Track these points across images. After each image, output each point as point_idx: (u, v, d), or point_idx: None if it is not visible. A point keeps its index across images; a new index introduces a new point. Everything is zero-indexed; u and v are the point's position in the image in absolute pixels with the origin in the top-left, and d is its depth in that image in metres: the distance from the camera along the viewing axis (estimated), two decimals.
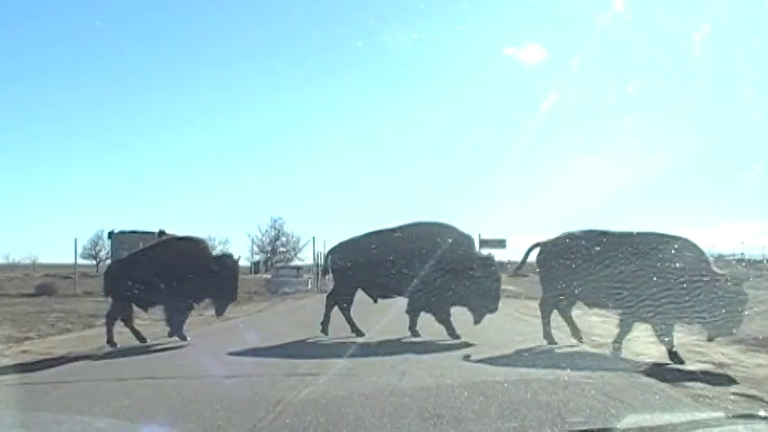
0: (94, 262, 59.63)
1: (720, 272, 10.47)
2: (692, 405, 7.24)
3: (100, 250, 60.11)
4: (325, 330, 13.69)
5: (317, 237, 45.32)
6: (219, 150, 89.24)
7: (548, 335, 12.01)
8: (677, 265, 10.17)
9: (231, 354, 11.37)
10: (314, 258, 42.12)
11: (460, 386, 7.92)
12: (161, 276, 13.37)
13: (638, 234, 11.13)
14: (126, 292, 13.72)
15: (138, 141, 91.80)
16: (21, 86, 78.28)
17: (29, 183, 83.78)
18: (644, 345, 11.73)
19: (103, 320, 16.23)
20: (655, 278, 10.22)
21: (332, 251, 15.16)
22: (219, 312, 14.09)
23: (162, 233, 44.05)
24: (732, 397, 7.73)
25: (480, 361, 10.43)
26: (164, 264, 13.66)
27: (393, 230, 14.32)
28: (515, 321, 13.21)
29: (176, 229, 47.61)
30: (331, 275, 15.26)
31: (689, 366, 9.84)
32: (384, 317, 14.37)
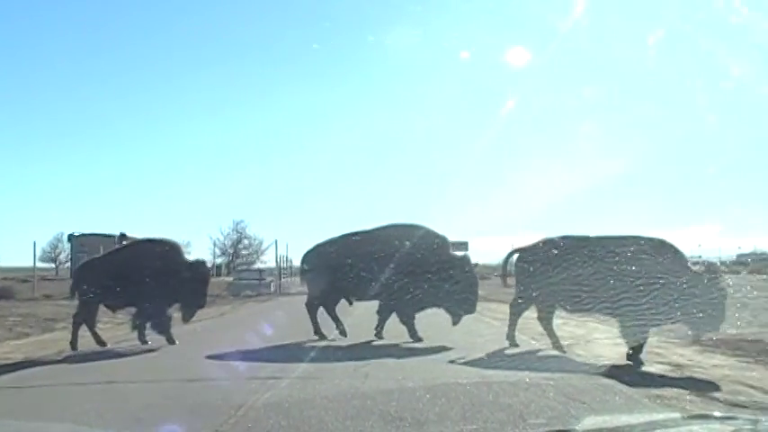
0: (54, 265, 58.83)
1: (698, 270, 10.57)
2: (650, 406, 7.33)
3: (59, 253, 59.43)
4: (319, 335, 13.66)
5: (279, 239, 45.12)
6: (181, 153, 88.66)
7: (511, 336, 12.02)
8: (657, 266, 10.20)
9: (192, 357, 11.29)
10: (276, 261, 41.99)
11: (422, 388, 7.94)
12: (132, 279, 13.24)
13: (616, 237, 11.16)
14: (95, 293, 13.58)
15: (97, 144, 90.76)
16: None
17: None
18: (604, 346, 11.86)
19: (63, 324, 16.08)
20: (636, 281, 10.23)
21: (307, 254, 15.00)
22: (186, 318, 13.86)
23: (123, 236, 43.69)
24: (689, 397, 7.84)
25: (442, 363, 10.46)
26: (135, 266, 13.53)
27: (368, 232, 14.24)
28: (477, 323, 13.27)
29: (137, 232, 47.31)
30: (306, 279, 15.08)
31: (648, 368, 9.96)
32: (346, 319, 14.33)
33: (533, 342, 12.52)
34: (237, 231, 65.31)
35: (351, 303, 14.68)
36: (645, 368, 9.94)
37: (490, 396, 7.61)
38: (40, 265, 38.11)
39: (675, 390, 8.29)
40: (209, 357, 11.29)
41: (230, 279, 43.91)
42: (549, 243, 11.71)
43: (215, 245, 66.31)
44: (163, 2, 70.25)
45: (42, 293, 27.93)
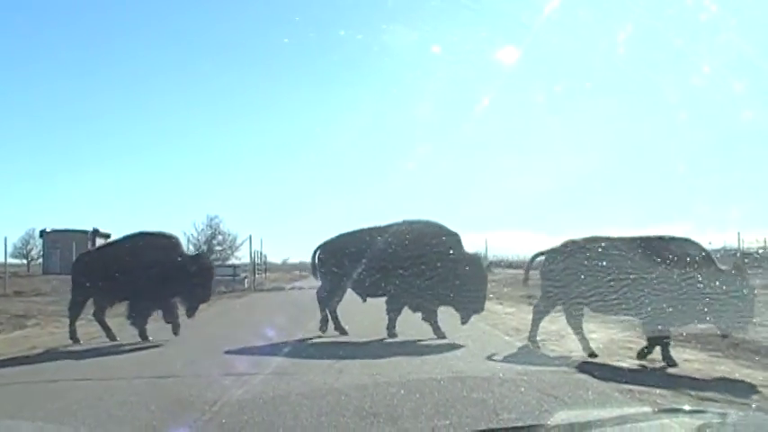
0: (25, 261, 58.13)
1: (726, 268, 10.41)
2: (622, 400, 7.38)
3: (31, 249, 58.60)
4: (322, 328, 13.61)
5: (254, 235, 44.89)
6: (154, 149, 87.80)
7: (533, 338, 11.65)
8: (686, 265, 10.03)
9: (165, 354, 11.24)
10: (251, 257, 41.71)
11: (397, 384, 7.94)
12: (132, 272, 13.14)
13: (642, 238, 10.97)
14: (93, 286, 13.51)
15: (69, 137, 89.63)
16: None
17: None
18: (578, 341, 11.93)
19: (34, 321, 15.92)
20: (664, 280, 10.05)
21: (318, 248, 14.76)
22: (190, 313, 13.60)
23: (96, 232, 43.30)
24: (660, 392, 7.91)
25: (416, 359, 10.47)
26: (135, 259, 13.39)
27: (381, 228, 14.01)
28: (454, 319, 13.26)
29: (110, 228, 46.91)
30: (319, 274, 14.76)
31: (620, 362, 10.03)
32: (320, 313, 14.27)
33: (507, 338, 12.58)
34: (211, 227, 64.71)
35: (364, 300, 14.30)
36: (617, 363, 10.01)
37: (464, 391, 7.63)
38: (11, 261, 37.79)
39: (646, 384, 8.36)
40: (182, 353, 11.23)
41: None
42: (574, 245, 11.45)
43: (189, 240, 65.72)
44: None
45: (13, 290, 27.63)
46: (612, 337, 12.31)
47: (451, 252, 13.41)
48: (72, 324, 13.35)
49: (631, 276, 10.27)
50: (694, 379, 8.98)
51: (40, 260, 51.30)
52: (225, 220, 62.84)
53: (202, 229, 65.53)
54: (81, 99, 79.89)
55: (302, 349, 11.45)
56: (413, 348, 11.71)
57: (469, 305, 13.25)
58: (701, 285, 9.85)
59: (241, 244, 54.62)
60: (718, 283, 9.86)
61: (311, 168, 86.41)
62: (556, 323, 12.69)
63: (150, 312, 13.42)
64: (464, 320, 13.26)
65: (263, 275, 42.21)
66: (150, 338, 13.00)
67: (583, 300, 10.85)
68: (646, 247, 10.52)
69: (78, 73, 75.82)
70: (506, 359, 10.44)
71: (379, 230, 13.94)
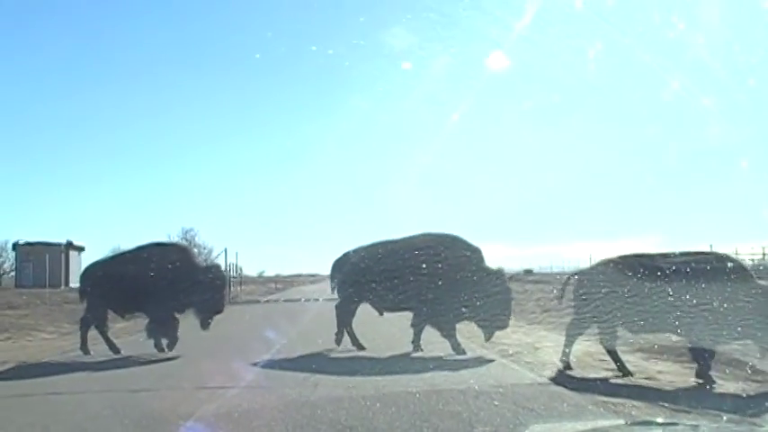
0: None
1: (765, 283, 10.07)
2: (596, 412, 7.39)
3: (3, 262, 57.85)
4: (338, 341, 13.31)
5: (229, 248, 44.67)
6: (129, 159, 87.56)
7: (566, 358, 10.93)
8: (725, 281, 9.72)
9: (140, 366, 11.15)
10: (226, 269, 41.49)
11: (372, 397, 7.92)
12: (143, 282, 12.95)
13: (678, 254, 10.65)
14: (104, 296, 13.36)
15: (43, 148, 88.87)
16: None
17: None
18: (552, 354, 11.97)
19: (6, 335, 15.74)
20: (702, 298, 9.67)
21: (337, 262, 14.52)
22: (204, 325, 13.43)
23: (69, 244, 43.01)
24: (634, 403, 7.93)
25: (392, 372, 10.44)
26: (147, 269, 13.19)
27: (400, 241, 13.75)
28: (427, 333, 13.24)
29: (86, 240, 46.57)
30: (336, 288, 14.44)
31: (595, 374, 10.06)
32: (296, 326, 14.23)
33: (483, 350, 12.58)
34: (186, 239, 64.46)
35: (381, 314, 14.09)
36: (592, 375, 10.04)
37: (439, 404, 7.62)
38: None
39: (621, 396, 8.39)
40: (157, 366, 11.16)
41: None
42: (608, 264, 11.06)
43: None
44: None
45: None
46: (588, 350, 12.34)
47: (475, 267, 13.08)
48: (83, 336, 13.15)
49: (668, 294, 9.94)
50: (668, 391, 9.03)
51: (12, 273, 50.76)
52: (200, 232, 62.76)
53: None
54: (56, 111, 79.51)
55: (277, 362, 11.38)
56: (388, 361, 11.68)
57: (494, 321, 12.87)
58: (741, 301, 9.59)
59: (216, 257, 54.45)
60: (756, 299, 9.64)
61: (287, 183, 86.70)
62: (530, 335, 12.75)
63: (164, 324, 13.15)
64: (488, 337, 12.95)
65: (239, 288, 41.97)
66: (166, 350, 12.83)
67: (617, 320, 10.47)
68: (682, 263, 10.22)
69: (52, 87, 75.39)
70: (481, 372, 10.44)
71: (399, 243, 13.69)
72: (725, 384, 9.32)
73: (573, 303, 11.35)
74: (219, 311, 13.86)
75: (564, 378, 9.76)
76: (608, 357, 11.08)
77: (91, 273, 14.58)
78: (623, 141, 51.75)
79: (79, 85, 77.93)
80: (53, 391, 9.25)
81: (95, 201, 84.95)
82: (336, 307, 13.93)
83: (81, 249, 49.20)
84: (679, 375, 9.76)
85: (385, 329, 13.42)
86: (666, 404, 7.97)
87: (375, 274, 13.40)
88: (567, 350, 10.92)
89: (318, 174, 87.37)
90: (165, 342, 13.03)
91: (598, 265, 11.70)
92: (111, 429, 6.77)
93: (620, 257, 11.11)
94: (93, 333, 13.26)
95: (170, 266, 13.31)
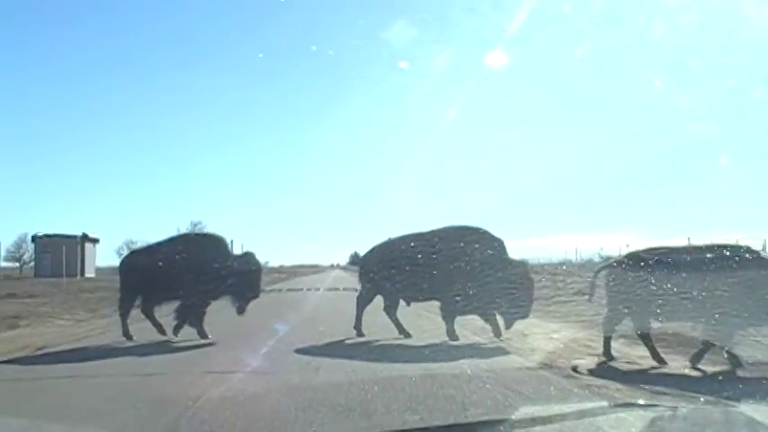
0: (18, 264, 57.50)
1: None
2: (581, 395, 7.41)
3: (24, 253, 57.97)
4: (358, 331, 13.12)
5: (235, 240, 44.62)
6: (142, 155, 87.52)
7: (606, 351, 10.50)
8: (745, 271, 9.60)
9: (150, 352, 11.14)
10: None
11: (371, 381, 7.91)
12: (179, 271, 12.94)
13: (702, 247, 10.58)
14: (140, 285, 13.35)
15: (59, 145, 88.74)
16: None
17: None
18: (540, 340, 11.99)
19: (26, 321, 15.72)
20: (724, 287, 9.57)
21: (366, 255, 14.46)
22: (240, 311, 13.33)
23: (85, 236, 42.93)
24: (617, 387, 7.96)
25: (389, 358, 10.44)
26: (182, 259, 13.17)
27: (427, 234, 13.56)
28: (420, 320, 13.28)
29: (100, 232, 46.45)
30: (364, 279, 14.24)
31: (580, 360, 10.07)
32: (298, 314, 14.22)
33: (475, 337, 12.59)
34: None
35: (408, 304, 13.81)
36: (578, 360, 10.04)
37: (434, 388, 7.62)
38: (4, 264, 37.43)
39: (604, 380, 8.41)
40: (166, 352, 11.16)
41: None
42: (636, 257, 10.84)
43: None
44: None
45: (6, 292, 27.28)
46: (574, 336, 12.38)
47: (500, 258, 12.94)
48: (124, 322, 13.13)
49: (693, 285, 9.75)
50: (648, 374, 9.06)
51: (32, 263, 50.87)
52: (208, 225, 62.77)
53: None
54: (71, 108, 79.44)
55: (280, 349, 11.37)
56: (386, 347, 11.69)
57: (516, 310, 12.65)
58: (760, 290, 9.46)
59: None
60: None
61: (290, 178, 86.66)
62: (519, 323, 12.73)
63: (204, 310, 13.10)
64: (509, 325, 12.66)
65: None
66: (209, 337, 12.72)
67: (648, 311, 10.22)
68: (707, 254, 10.12)
69: (66, 87, 75.21)
70: (473, 356, 10.45)
71: (426, 236, 13.52)
72: (701, 368, 9.37)
73: (606, 296, 11.01)
74: (256, 297, 13.72)
75: (551, 363, 9.76)
76: (592, 344, 11.12)
77: (129, 262, 14.55)
78: (608, 138, 51.92)
79: (98, 88, 77.61)
80: (70, 374, 9.24)
81: (108, 195, 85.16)
82: (358, 298, 13.85)
83: (96, 241, 49.31)
84: (653, 358, 9.78)
85: (382, 319, 13.37)
86: (647, 387, 8.00)
87: (402, 266, 13.27)
88: (608, 344, 10.49)
89: (319, 170, 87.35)
90: (173, 330, 13.04)
91: (625, 257, 11.51)
92: (124, 411, 6.76)
93: (646, 249, 11.05)
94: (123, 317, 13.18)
95: (207, 255, 13.27)
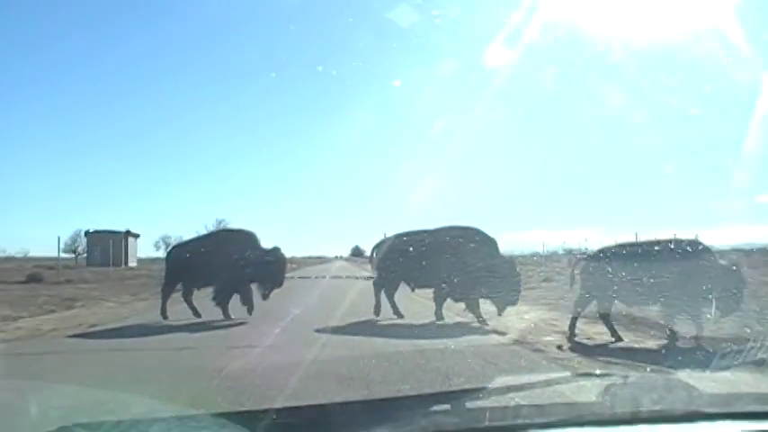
0: (74, 255, 57.53)
1: (724, 263, 10.01)
2: (548, 367, 7.41)
3: (78, 246, 57.89)
4: (377, 312, 12.95)
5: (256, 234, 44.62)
6: (174, 164, 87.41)
7: (571, 329, 10.31)
8: (694, 262, 9.65)
9: (183, 330, 11.12)
10: None
11: (369, 355, 7.87)
12: (215, 261, 12.92)
13: (658, 242, 10.50)
14: (183, 272, 13.32)
15: (104, 153, 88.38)
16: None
17: (21, 188, 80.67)
18: (513, 320, 11.96)
19: (81, 303, 15.76)
20: (680, 275, 9.55)
21: (377, 245, 14.35)
22: (266, 296, 13.28)
23: (128, 232, 42.67)
24: (578, 359, 7.95)
25: (386, 335, 10.42)
26: (219, 250, 13.19)
27: (429, 231, 13.56)
28: (412, 303, 13.24)
29: (139, 228, 46.45)
30: (375, 266, 14.26)
31: (546, 337, 10.04)
32: (308, 298, 14.15)
33: (458, 317, 12.55)
34: (220, 228, 64.45)
35: (413, 290, 13.81)
36: (544, 337, 10.01)
37: (423, 361, 7.59)
38: (63, 255, 37.41)
39: (567, 353, 8.41)
40: (196, 329, 11.11)
41: None
42: (606, 250, 10.92)
43: None
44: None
45: (65, 278, 27.33)
46: (542, 317, 12.35)
47: (491, 254, 12.87)
48: (163, 303, 13.10)
49: (650, 274, 9.77)
50: (603, 348, 9.05)
51: (85, 255, 51.14)
52: (231, 222, 62.72)
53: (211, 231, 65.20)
54: (112, 123, 79.18)
55: (292, 328, 11.31)
56: (383, 327, 11.66)
57: (506, 299, 12.47)
58: (707, 279, 9.46)
59: None
60: (718, 276, 9.54)
61: (300, 180, 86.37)
62: (494, 306, 12.71)
63: (231, 295, 13.04)
64: (500, 312, 12.45)
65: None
66: (232, 316, 12.66)
67: (614, 296, 10.23)
68: (662, 248, 10.09)
69: (92, 90, 74.70)
70: (457, 334, 10.43)
71: (429, 233, 13.50)
72: (648, 343, 9.37)
73: (580, 283, 10.79)
74: (280, 285, 13.71)
75: (522, 339, 9.75)
76: (557, 323, 11.09)
77: (175, 251, 14.60)
78: (572, 147, 51.87)
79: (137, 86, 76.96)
80: (116, 348, 9.28)
81: (147, 197, 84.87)
82: (374, 284, 13.78)
83: (137, 236, 49.48)
84: (611, 336, 9.75)
85: (384, 303, 13.30)
86: (602, 359, 8.01)
87: (408, 257, 13.26)
88: (574, 323, 10.39)
89: (325, 173, 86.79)
90: (219, 310, 12.90)
91: (598, 251, 11.44)
92: (161, 379, 6.74)
93: (617, 245, 11.02)
94: (141, 304, 13.20)
95: (240, 247, 13.26)
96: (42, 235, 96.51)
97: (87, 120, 77.18)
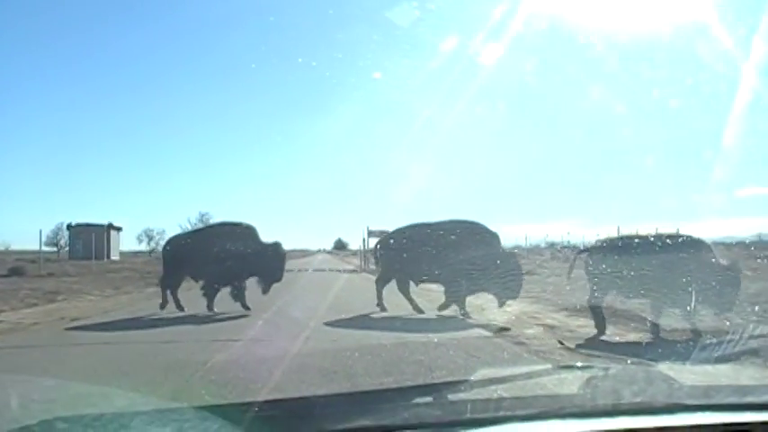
0: (56, 249, 57.10)
1: (725, 262, 9.92)
2: (529, 359, 7.45)
3: (60, 239, 57.46)
4: (381, 307, 12.80)
5: None
6: (156, 157, 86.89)
7: (599, 325, 10.12)
8: (692, 258, 9.63)
9: (166, 323, 11.07)
10: None
11: (352, 348, 7.87)
12: (215, 255, 12.84)
13: (652, 236, 10.45)
14: (181, 264, 13.20)
15: (88, 145, 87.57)
16: None
17: (2, 182, 79.98)
18: (496, 313, 12.00)
19: (63, 296, 15.62)
20: (678, 270, 9.51)
21: (380, 241, 14.44)
22: (265, 290, 13.23)
23: (110, 225, 42.40)
24: (559, 351, 8.00)
25: (369, 327, 10.43)
26: (218, 243, 13.11)
27: (433, 225, 13.46)
28: (401, 298, 13.20)
29: (121, 221, 46.13)
30: (378, 261, 14.33)
31: (528, 329, 10.09)
32: (290, 291, 14.10)
33: (443, 312, 12.57)
34: (202, 222, 63.75)
35: (417, 284, 13.58)
36: (525, 330, 10.05)
37: (406, 353, 7.60)
38: (45, 248, 37.07)
39: (549, 346, 8.46)
40: (179, 323, 11.08)
41: None
42: (607, 242, 11.05)
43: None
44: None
45: (47, 272, 27.16)
46: (524, 310, 12.40)
47: (494, 248, 12.88)
48: (164, 295, 13.01)
49: (644, 267, 9.74)
50: (585, 340, 9.11)
51: (67, 248, 50.83)
52: (214, 216, 62.50)
53: (195, 224, 64.71)
54: (94, 117, 78.45)
55: (275, 320, 11.29)
56: (365, 320, 11.66)
57: (507, 292, 12.44)
58: (705, 274, 9.43)
59: None
60: (716, 272, 9.53)
61: (284, 173, 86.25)
62: (480, 298, 12.76)
63: (220, 289, 12.98)
64: (501, 304, 12.45)
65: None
66: (215, 309, 12.60)
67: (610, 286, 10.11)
68: (656, 242, 10.07)
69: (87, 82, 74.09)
70: (440, 327, 10.45)
71: (431, 227, 13.43)
72: (627, 335, 9.44)
73: (587, 277, 10.61)
74: (279, 281, 13.66)
75: (504, 332, 9.78)
76: (539, 316, 11.15)
77: (173, 243, 14.42)
78: (554, 141, 52.14)
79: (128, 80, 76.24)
80: (98, 341, 9.19)
81: (129, 190, 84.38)
82: (376, 281, 13.73)
83: (119, 229, 49.20)
84: (593, 329, 9.79)
85: (364, 296, 13.33)
86: (583, 351, 8.07)
87: (411, 252, 13.24)
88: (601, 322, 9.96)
89: (308, 166, 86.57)
90: (209, 304, 12.87)
91: (597, 241, 11.52)
92: (144, 372, 6.71)
93: (621, 237, 11.02)
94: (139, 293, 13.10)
95: (240, 241, 13.17)
96: (24, 228, 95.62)
97: (71, 114, 76.59)
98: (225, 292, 12.96)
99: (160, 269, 13.96)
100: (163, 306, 12.76)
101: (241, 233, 13.53)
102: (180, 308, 12.84)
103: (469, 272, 12.45)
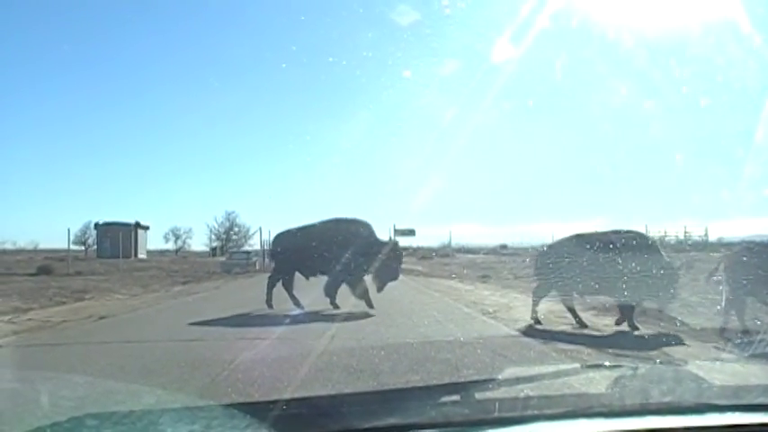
0: (84, 248, 57.89)
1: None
2: (557, 358, 7.40)
3: (88, 238, 58.19)
4: (269, 304, 13.03)
5: (263, 226, 44.71)
6: (182, 158, 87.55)
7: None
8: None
9: (194, 322, 11.16)
10: (261, 244, 41.47)
11: (378, 347, 7.90)
12: (333, 250, 12.80)
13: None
14: (293, 260, 13.28)
15: (120, 146, 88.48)
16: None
17: (31, 181, 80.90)
18: (522, 312, 11.95)
19: (90, 295, 15.83)
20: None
21: (275, 239, 14.70)
22: (380, 289, 13.13)
23: (138, 224, 42.86)
24: (587, 350, 7.93)
25: (394, 327, 10.42)
26: (336, 239, 13.06)
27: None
28: (421, 295, 13.22)
29: (148, 220, 46.52)
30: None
31: (556, 328, 10.03)
32: (314, 290, 14.10)
33: (466, 309, 12.56)
34: (229, 220, 64.31)
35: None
36: (554, 328, 10.00)
37: (432, 352, 7.58)
38: (73, 247, 37.62)
39: (576, 345, 8.39)
40: (207, 322, 11.15)
41: (223, 259, 43.30)
42: (565, 240, 11.15)
43: (211, 231, 65.53)
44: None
45: (75, 270, 27.56)
46: (551, 309, 12.32)
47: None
48: (269, 292, 13.05)
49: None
50: (612, 340, 9.04)
51: (95, 247, 51.44)
52: (240, 214, 62.96)
53: (222, 222, 65.34)
54: (125, 106, 79.33)
55: (301, 318, 11.35)
56: (391, 319, 11.66)
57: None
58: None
59: (253, 234, 54.65)
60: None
61: (302, 176, 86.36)
62: (505, 297, 12.71)
63: (341, 285, 12.98)
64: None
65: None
66: (339, 307, 12.61)
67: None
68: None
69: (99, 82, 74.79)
70: (466, 326, 10.43)
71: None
72: (658, 335, 9.34)
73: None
74: (394, 279, 13.55)
75: (531, 331, 9.74)
76: (567, 315, 11.07)
77: (283, 239, 14.34)
78: (582, 138, 51.44)
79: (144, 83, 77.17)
80: (126, 339, 9.30)
81: (156, 190, 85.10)
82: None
83: (146, 228, 49.74)
84: (620, 327, 9.72)
85: (393, 295, 13.31)
86: (611, 350, 8.00)
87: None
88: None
89: (333, 166, 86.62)
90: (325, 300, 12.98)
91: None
92: (171, 370, 6.76)
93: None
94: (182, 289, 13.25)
95: (357, 238, 13.11)
96: (52, 227, 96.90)
97: (98, 114, 77.45)
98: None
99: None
100: (269, 304, 12.75)
101: (358, 230, 13.45)
102: (297, 304, 12.81)
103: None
